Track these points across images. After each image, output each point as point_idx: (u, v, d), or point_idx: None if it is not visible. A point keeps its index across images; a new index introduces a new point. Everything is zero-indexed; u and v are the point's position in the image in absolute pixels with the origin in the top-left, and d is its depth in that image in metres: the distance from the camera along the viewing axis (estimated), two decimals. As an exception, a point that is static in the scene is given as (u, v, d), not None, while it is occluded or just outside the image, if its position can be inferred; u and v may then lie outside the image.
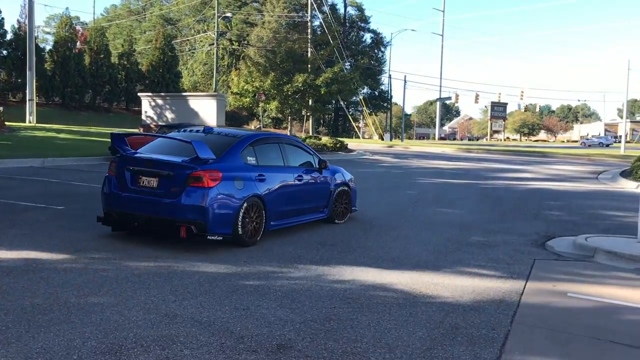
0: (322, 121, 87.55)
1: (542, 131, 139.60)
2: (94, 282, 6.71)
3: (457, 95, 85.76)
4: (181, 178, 8.32)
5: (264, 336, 5.21)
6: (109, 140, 14.21)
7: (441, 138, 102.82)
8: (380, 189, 18.17)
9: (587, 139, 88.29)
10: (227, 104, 50.68)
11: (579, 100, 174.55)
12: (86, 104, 61.72)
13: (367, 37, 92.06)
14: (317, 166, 10.95)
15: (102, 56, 61.27)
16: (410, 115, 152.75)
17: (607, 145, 77.67)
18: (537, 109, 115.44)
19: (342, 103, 69.22)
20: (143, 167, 8.72)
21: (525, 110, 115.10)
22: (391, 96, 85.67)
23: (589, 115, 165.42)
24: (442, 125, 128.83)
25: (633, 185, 20.88)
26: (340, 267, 7.91)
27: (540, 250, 9.83)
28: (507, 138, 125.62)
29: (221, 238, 8.48)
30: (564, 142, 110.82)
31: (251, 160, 9.31)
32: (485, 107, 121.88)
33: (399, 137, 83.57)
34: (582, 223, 12.69)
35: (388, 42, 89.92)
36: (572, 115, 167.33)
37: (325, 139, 38.13)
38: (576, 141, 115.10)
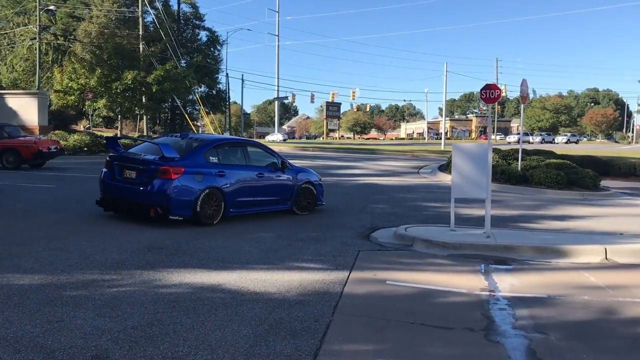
0: (158, 120, 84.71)
1: (373, 129, 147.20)
2: None
3: (293, 95, 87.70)
4: (152, 171, 10.66)
5: (78, 348, 4.90)
6: None
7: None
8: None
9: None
10: (51, 102, 47.13)
11: (404, 100, 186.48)
12: None
13: (203, 35, 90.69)
14: (280, 167, 12.78)
15: None
16: (249, 114, 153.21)
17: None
18: (368, 109, 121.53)
19: (178, 102, 67.53)
20: (126, 163, 11.18)
21: (357, 110, 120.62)
22: (229, 95, 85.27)
23: (415, 114, 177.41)
24: (281, 124, 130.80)
25: (449, 178, 22.71)
26: (167, 271, 7.69)
27: (365, 242, 10.33)
28: (342, 136, 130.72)
29: (182, 218, 10.71)
30: (392, 139, 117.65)
31: (213, 159, 11.47)
32: (321, 106, 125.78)
33: (239, 136, 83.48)
34: (404, 214, 13.54)
35: (224, 41, 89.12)
36: (400, 114, 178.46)
37: (159, 139, 37.00)
38: (403, 138, 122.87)
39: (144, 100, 43.83)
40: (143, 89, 40.78)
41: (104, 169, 11.53)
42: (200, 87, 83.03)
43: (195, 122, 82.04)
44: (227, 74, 79.71)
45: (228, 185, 11.35)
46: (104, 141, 12.11)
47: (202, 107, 74.40)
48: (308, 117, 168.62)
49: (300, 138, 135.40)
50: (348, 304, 6.56)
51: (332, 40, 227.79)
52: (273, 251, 9.20)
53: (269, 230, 11.02)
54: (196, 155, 11.24)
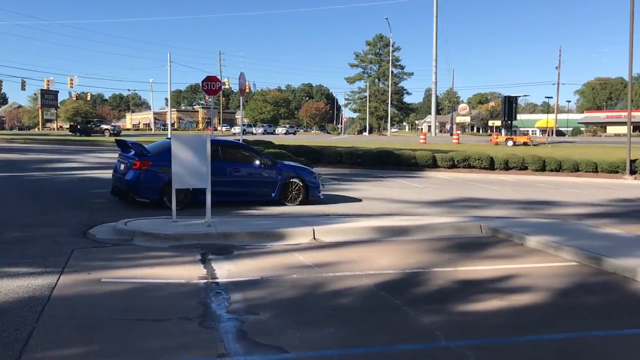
0: None
1: (96, 120, 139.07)
2: None
3: (0, 81, 77.94)
4: (129, 165, 13.31)
5: None
6: None
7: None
8: None
9: None
10: None
11: (129, 90, 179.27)
12: None
13: None
14: (262, 164, 14.46)
15: None
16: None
17: None
18: (89, 98, 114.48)
19: None
20: (121, 159, 13.91)
21: (76, 99, 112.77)
22: None
23: (141, 105, 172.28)
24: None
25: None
26: None
27: (81, 240, 9.74)
28: (61, 127, 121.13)
29: (148, 201, 13.14)
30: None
31: None
32: (35, 94, 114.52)
33: None
34: (125, 208, 13.06)
35: None
36: (125, 104, 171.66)
37: None
38: (129, 129, 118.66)
39: None
40: None
41: (115, 165, 14.43)
42: None
43: None
44: None
45: None
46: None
47: None
48: (20, 106, 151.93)
49: (11, 129, 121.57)
50: (57, 307, 6.10)
51: (44, 23, 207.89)
52: (-32, 257, 8.11)
53: (-36, 233, 9.69)
54: (167, 152, 12.49)
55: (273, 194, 14.51)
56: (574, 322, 6.18)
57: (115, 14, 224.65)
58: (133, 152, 13.62)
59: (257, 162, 14.55)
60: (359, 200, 16.32)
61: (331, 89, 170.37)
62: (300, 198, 14.71)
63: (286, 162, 16.12)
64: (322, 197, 15.39)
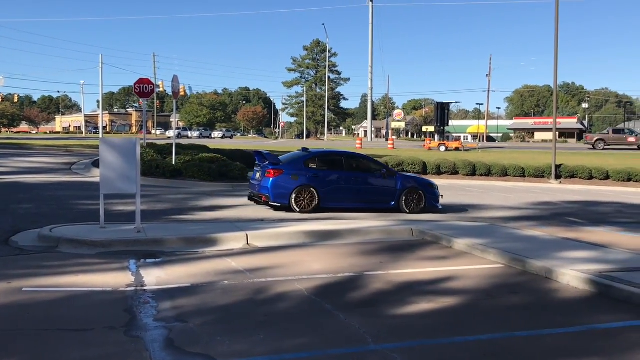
0: None
1: (24, 122, 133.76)
2: None
3: None
4: (263, 172, 14.62)
5: None
6: None
7: None
8: None
9: None
10: None
11: (59, 92, 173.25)
12: None
13: None
14: (381, 174, 15.35)
15: None
16: None
17: None
18: (16, 99, 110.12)
19: None
20: (257, 168, 15.24)
21: (2, 101, 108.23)
22: None
23: (71, 107, 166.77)
24: None
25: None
26: None
27: (2, 247, 9.39)
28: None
29: (279, 205, 14.33)
30: (46, 133, 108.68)
31: (312, 165, 14.99)
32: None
33: None
34: (52, 214, 12.63)
35: None
36: (54, 106, 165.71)
37: None
38: (59, 132, 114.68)
39: None
40: None
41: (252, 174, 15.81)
42: None
43: None
44: None
45: (321, 184, 14.57)
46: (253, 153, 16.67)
47: None
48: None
49: None
50: (-28, 319, 5.82)
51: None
52: None
53: None
54: (296, 162, 14.95)
55: (392, 202, 15.29)
56: (499, 323, 6.38)
57: (44, 12, 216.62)
58: (267, 162, 14.75)
59: (378, 172, 15.49)
60: (466, 210, 16.72)
61: (269, 93, 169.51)
62: (419, 207, 15.32)
63: (406, 173, 17.50)
64: (440, 207, 15.85)
